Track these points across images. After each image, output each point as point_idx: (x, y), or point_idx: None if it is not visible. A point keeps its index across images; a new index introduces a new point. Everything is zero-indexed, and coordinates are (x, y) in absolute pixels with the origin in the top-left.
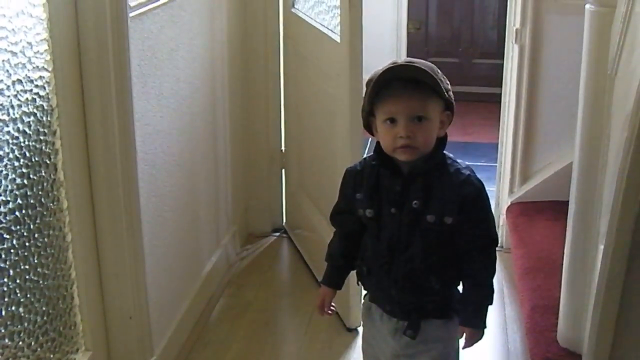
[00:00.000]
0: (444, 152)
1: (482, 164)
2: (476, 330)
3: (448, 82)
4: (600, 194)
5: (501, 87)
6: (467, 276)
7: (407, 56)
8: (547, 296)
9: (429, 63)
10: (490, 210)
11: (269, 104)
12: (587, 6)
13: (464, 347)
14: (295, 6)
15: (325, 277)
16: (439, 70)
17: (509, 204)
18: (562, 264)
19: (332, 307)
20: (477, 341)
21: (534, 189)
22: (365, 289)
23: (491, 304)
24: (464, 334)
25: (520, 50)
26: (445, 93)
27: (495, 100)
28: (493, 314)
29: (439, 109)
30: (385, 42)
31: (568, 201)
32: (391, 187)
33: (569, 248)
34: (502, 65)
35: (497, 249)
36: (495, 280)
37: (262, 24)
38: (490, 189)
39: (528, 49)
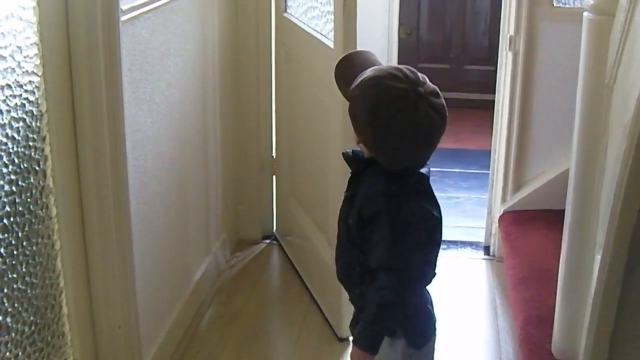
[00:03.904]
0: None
1: (473, 171)
2: (361, 351)
3: (365, 81)
4: (597, 203)
5: (493, 93)
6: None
7: (399, 62)
8: (541, 307)
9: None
10: (394, 237)
11: (260, 110)
12: (585, 14)
13: None
14: (288, 11)
15: None
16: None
17: (502, 212)
18: (555, 274)
19: None
20: None
21: (527, 197)
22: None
23: (379, 330)
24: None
25: (514, 58)
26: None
27: (486, 107)
28: (485, 324)
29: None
30: (376, 48)
31: (561, 210)
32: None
33: (565, 258)
34: (493, 71)
35: (488, 257)
36: (487, 291)
37: (254, 29)
38: (482, 197)
39: (522, 56)
